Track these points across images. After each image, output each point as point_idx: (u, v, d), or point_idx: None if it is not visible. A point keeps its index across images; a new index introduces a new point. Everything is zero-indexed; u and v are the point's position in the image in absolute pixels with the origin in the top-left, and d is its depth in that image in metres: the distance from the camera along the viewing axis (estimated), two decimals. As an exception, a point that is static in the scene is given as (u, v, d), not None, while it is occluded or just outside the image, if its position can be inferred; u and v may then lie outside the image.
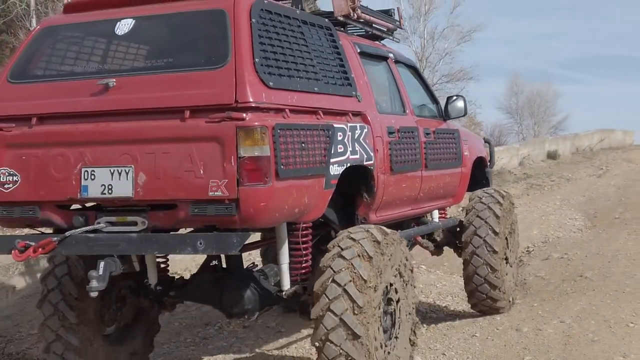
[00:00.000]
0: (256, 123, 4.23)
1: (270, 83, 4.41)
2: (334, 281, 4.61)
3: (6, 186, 4.69)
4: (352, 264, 4.65)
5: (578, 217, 13.45)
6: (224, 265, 5.48)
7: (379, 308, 4.82)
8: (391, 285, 5.05)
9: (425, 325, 7.24)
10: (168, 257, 5.55)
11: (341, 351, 4.54)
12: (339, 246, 4.77)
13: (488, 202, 7.18)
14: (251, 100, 4.24)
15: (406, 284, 5.27)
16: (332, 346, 4.56)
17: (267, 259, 7.45)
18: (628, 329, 6.47)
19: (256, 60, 4.35)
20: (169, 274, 5.65)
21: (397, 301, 5.16)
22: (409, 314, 5.28)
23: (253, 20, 4.47)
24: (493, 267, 7.02)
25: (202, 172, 4.27)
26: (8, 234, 5.06)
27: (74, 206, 4.79)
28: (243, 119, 4.22)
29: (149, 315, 5.87)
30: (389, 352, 4.95)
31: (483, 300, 7.20)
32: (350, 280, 4.59)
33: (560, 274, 8.96)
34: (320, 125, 4.80)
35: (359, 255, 4.68)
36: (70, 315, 5.23)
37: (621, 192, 16.09)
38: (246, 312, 5.21)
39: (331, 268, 4.67)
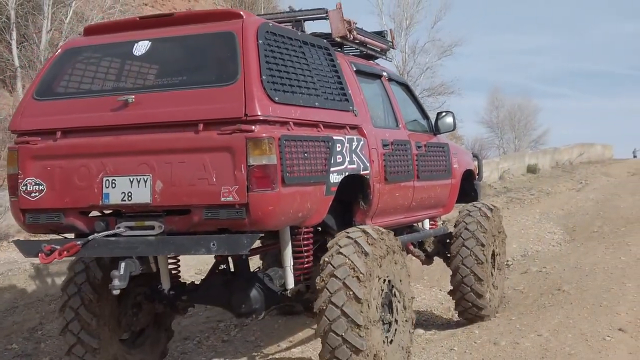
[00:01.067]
0: (264, 134, 4.69)
1: (276, 98, 4.86)
2: (339, 253, 5.10)
3: (33, 195, 5.10)
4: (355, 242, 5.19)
5: (557, 230, 13.58)
6: (232, 269, 5.90)
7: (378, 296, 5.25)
8: (390, 285, 5.46)
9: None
10: (179, 263, 5.98)
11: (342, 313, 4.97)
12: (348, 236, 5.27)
13: (476, 215, 7.60)
14: (259, 113, 4.70)
15: (405, 310, 5.70)
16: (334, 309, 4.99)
17: (267, 263, 7.83)
18: (604, 343, 6.53)
19: (263, 77, 4.81)
20: (180, 279, 6.04)
21: (395, 321, 5.56)
22: (402, 347, 5.64)
23: (260, 41, 4.93)
24: (479, 277, 7.41)
25: (214, 179, 4.70)
26: (33, 239, 5.40)
27: (93, 213, 5.19)
28: (252, 131, 4.67)
29: (163, 320, 6.26)
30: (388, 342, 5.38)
31: (469, 309, 7.58)
32: (351, 267, 5.06)
33: (538, 287, 9.03)
34: (321, 137, 5.26)
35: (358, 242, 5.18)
36: (90, 319, 5.60)
37: (600, 206, 16.23)
38: (254, 312, 5.64)
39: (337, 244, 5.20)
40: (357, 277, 5.02)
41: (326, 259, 5.16)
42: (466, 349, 6.80)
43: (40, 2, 19.35)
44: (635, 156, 56.81)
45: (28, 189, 5.10)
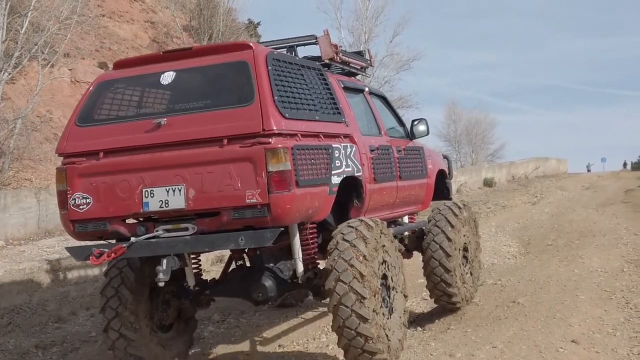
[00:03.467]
0: (279, 145, 5.63)
1: (286, 114, 5.82)
2: (349, 226, 6.14)
3: (81, 207, 5.96)
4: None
5: (512, 243, 13.89)
6: (248, 264, 6.87)
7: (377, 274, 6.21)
8: (384, 256, 6.38)
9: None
10: (200, 263, 6.92)
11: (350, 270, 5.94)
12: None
13: (449, 204, 8.65)
14: (274, 128, 5.64)
15: (399, 288, 6.57)
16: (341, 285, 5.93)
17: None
18: (557, 354, 6.73)
19: (275, 97, 5.76)
20: (202, 277, 6.97)
21: (393, 288, 6.52)
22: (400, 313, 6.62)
23: (269, 67, 5.90)
24: (448, 253, 8.21)
25: (239, 185, 5.61)
26: (82, 244, 6.09)
27: (128, 221, 6.03)
28: (269, 143, 5.61)
29: (188, 314, 7.11)
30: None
31: (438, 284, 8.29)
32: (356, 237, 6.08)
33: (494, 299, 9.25)
34: (323, 145, 6.25)
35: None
36: (128, 295, 6.46)
37: (554, 219, 16.58)
38: (270, 299, 6.61)
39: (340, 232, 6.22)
40: (362, 239, 6.04)
41: (338, 229, 6.19)
42: (422, 362, 6.87)
43: (-5, 13, 19.07)
44: (589, 170, 58.02)
45: (76, 203, 5.95)
